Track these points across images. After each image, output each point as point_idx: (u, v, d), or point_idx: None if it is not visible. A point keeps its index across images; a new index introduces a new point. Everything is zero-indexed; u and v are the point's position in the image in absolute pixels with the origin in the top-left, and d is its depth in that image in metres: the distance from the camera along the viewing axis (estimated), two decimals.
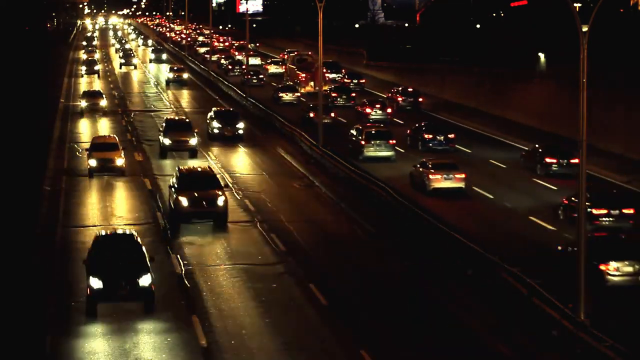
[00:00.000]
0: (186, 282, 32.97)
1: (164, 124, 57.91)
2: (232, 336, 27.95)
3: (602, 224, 39.28)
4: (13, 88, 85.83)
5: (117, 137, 53.69)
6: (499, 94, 78.92)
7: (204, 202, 39.88)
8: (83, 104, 74.28)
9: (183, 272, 34.15)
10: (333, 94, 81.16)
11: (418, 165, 48.70)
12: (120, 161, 50.20)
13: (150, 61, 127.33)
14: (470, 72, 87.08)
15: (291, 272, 34.30)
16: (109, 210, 43.63)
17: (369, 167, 51.12)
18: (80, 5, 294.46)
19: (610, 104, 60.57)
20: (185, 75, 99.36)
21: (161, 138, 56.54)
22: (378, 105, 72.72)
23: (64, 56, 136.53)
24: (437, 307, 31.25)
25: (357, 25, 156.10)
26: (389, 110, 72.56)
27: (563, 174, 50.56)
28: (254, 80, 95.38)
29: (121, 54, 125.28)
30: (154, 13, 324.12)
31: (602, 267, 32.52)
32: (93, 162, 49.91)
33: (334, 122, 67.29)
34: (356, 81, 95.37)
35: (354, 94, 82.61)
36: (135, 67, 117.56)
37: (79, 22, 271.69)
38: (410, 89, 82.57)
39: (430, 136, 59.18)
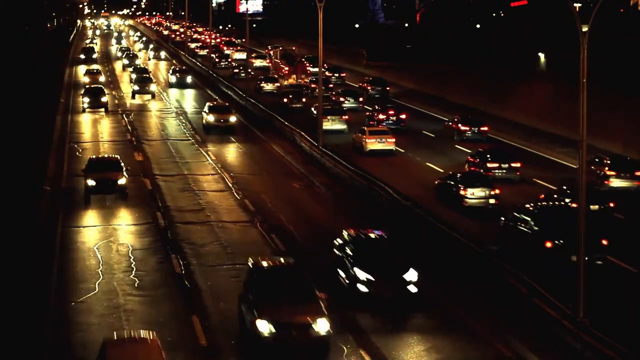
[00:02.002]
0: (186, 282, 32.98)
1: (251, 277, 28.24)
2: (232, 336, 27.95)
3: (495, 175, 49.24)
4: None
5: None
6: (498, 94, 78.91)
7: None
8: (90, 182, 44.06)
9: (183, 272, 34.15)
10: (312, 85, 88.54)
11: (358, 132, 60.52)
12: None
13: (171, 85, 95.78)
14: (470, 72, 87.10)
15: None
16: (109, 210, 43.62)
17: (325, 138, 58.34)
18: (80, 5, 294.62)
19: (610, 104, 60.58)
20: (233, 119, 66.75)
21: (245, 311, 27.30)
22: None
23: (60, 74, 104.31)
24: (437, 306, 31.26)
25: (357, 25, 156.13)
26: (361, 99, 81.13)
27: (474, 139, 62.94)
28: (242, 74, 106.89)
29: (134, 76, 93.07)
30: (154, 13, 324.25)
31: (462, 192, 43.82)
32: None
33: (304, 106, 76.25)
34: (337, 75, 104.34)
35: (331, 85, 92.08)
36: (154, 97, 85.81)
37: (78, 22, 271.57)
38: (379, 79, 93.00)
39: (384, 117, 68.39)
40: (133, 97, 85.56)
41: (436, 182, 47.14)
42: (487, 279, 32.45)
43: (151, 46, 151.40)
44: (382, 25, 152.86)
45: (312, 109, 68.71)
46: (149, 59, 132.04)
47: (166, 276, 33.57)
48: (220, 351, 26.84)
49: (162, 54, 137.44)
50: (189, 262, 35.29)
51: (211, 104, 69.23)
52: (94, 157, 48.80)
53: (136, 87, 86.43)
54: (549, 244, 34.50)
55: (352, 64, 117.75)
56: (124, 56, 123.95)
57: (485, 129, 64.60)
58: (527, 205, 38.25)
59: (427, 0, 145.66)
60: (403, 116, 69.48)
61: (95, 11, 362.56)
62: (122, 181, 44.63)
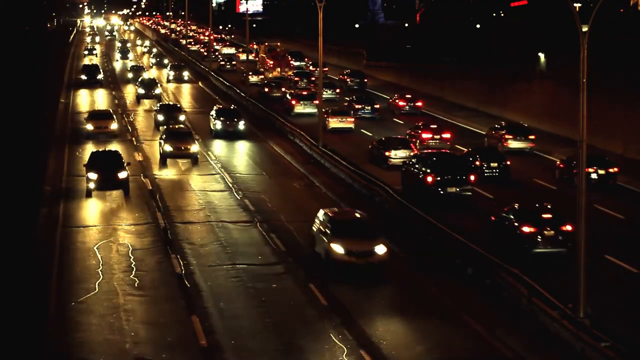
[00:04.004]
0: (186, 282, 32.97)
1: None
2: (232, 336, 27.94)
3: (429, 144, 58.56)
4: None
5: None
6: (498, 94, 78.88)
7: None
8: None
9: (183, 272, 34.14)
10: (296, 78, 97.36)
11: (323, 113, 65.63)
12: None
13: (216, 135, 64.51)
14: (470, 72, 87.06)
15: (291, 272, 34.30)
16: (109, 210, 43.62)
17: (299, 121, 67.37)
18: (80, 5, 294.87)
19: (610, 104, 60.56)
20: (383, 250, 33.93)
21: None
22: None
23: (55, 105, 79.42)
24: (436, 305, 31.28)
25: (357, 25, 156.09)
26: (338, 90, 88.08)
27: (410, 113, 75.63)
28: (227, 66, 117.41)
29: (160, 118, 66.48)
30: (155, 13, 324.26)
31: (387, 154, 53.34)
32: None
33: (282, 95, 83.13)
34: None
35: (313, 78, 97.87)
36: (196, 162, 54.62)
37: (78, 21, 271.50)
38: (357, 72, 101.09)
39: (360, 106, 75.09)
40: (163, 163, 54.41)
41: (369, 147, 56.17)
42: (486, 279, 32.47)
43: (166, 61, 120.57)
44: (382, 25, 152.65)
45: (287, 95, 79.17)
46: (168, 81, 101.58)
47: (166, 276, 33.56)
48: (220, 351, 26.84)
49: (185, 74, 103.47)
50: (189, 262, 35.28)
51: (333, 215, 35.48)
52: None
53: (168, 148, 53.75)
54: (429, 179, 44.88)
55: (352, 63, 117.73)
56: (138, 83, 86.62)
57: (420, 104, 77.43)
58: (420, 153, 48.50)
59: (427, 0, 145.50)
60: (377, 106, 76.16)
61: (95, 11, 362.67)
62: None
